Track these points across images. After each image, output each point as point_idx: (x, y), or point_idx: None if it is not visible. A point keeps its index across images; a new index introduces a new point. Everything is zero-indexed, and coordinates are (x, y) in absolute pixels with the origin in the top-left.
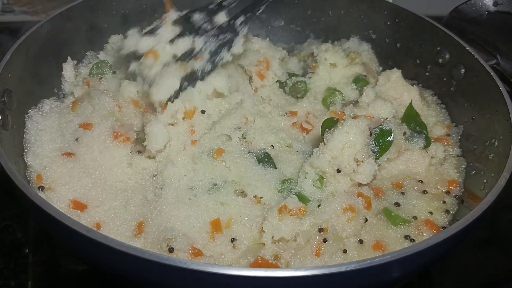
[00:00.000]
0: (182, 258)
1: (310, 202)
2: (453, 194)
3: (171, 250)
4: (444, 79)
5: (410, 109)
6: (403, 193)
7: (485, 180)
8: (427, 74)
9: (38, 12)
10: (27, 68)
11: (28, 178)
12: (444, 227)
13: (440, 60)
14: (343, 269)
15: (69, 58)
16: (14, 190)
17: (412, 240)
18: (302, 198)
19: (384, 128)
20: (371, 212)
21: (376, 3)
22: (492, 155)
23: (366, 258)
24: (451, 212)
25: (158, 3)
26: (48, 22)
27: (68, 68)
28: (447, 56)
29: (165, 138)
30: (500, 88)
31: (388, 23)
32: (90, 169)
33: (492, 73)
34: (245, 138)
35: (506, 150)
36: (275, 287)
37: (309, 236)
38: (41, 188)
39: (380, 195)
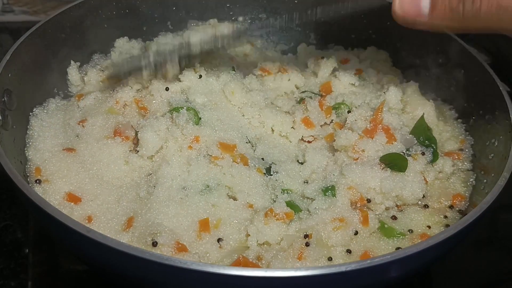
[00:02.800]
0: (165, 252)
1: (302, 211)
2: (457, 209)
3: (154, 244)
4: (444, 79)
5: (420, 122)
6: (401, 210)
7: (485, 180)
8: (426, 74)
9: (38, 12)
10: (27, 68)
11: (27, 173)
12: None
13: (440, 60)
14: (343, 269)
15: (72, 62)
16: (14, 190)
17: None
18: (293, 207)
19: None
20: (367, 229)
21: (376, 3)
22: (492, 155)
23: (366, 258)
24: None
25: (157, 4)
26: (48, 22)
27: (73, 73)
28: (447, 56)
29: (157, 144)
30: (500, 88)
31: (388, 23)
32: (88, 165)
33: (492, 73)
34: (252, 145)
35: (506, 150)
36: (274, 287)
37: (293, 240)
38: (38, 181)
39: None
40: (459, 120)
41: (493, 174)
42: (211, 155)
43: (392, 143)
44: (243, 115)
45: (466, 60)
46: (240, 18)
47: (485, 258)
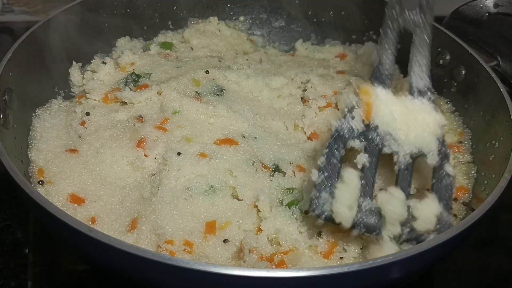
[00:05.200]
0: (171, 253)
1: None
2: (461, 201)
3: (161, 246)
4: (445, 80)
5: None
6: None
7: (485, 181)
8: None
9: (38, 12)
10: (28, 68)
11: (30, 173)
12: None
13: (441, 61)
14: (345, 269)
15: (74, 63)
16: (15, 190)
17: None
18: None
19: None
20: None
21: (377, 3)
22: (492, 156)
23: (368, 259)
24: (459, 216)
25: (158, 3)
26: (48, 22)
27: (75, 73)
28: (448, 57)
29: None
30: (501, 90)
31: None
32: (91, 165)
33: (492, 75)
34: (255, 137)
35: (507, 151)
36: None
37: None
38: (41, 182)
39: None
40: (456, 113)
41: (494, 175)
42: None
43: None
44: (254, 114)
45: (466, 61)
46: (241, 18)
47: (485, 258)
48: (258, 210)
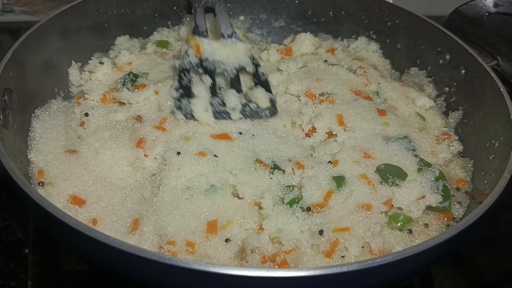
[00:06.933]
0: (173, 254)
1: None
2: (463, 191)
3: (163, 247)
4: (445, 80)
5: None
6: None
7: (485, 181)
8: (426, 74)
9: (38, 12)
10: (28, 68)
11: (30, 175)
12: (454, 218)
13: (441, 61)
14: (344, 269)
15: (73, 62)
16: (15, 189)
17: (410, 231)
18: (293, 203)
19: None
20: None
21: (377, 3)
22: (492, 156)
23: (368, 259)
24: (463, 204)
25: (158, 3)
26: (48, 22)
27: (74, 73)
28: (448, 57)
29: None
30: (501, 89)
31: (389, 23)
32: (91, 166)
33: (492, 74)
34: (253, 135)
35: (507, 151)
36: (275, 287)
37: (308, 237)
38: (41, 183)
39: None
40: (456, 112)
41: (493, 175)
42: (215, 155)
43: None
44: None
45: (466, 61)
46: (241, 18)
47: (485, 258)
48: (260, 208)
